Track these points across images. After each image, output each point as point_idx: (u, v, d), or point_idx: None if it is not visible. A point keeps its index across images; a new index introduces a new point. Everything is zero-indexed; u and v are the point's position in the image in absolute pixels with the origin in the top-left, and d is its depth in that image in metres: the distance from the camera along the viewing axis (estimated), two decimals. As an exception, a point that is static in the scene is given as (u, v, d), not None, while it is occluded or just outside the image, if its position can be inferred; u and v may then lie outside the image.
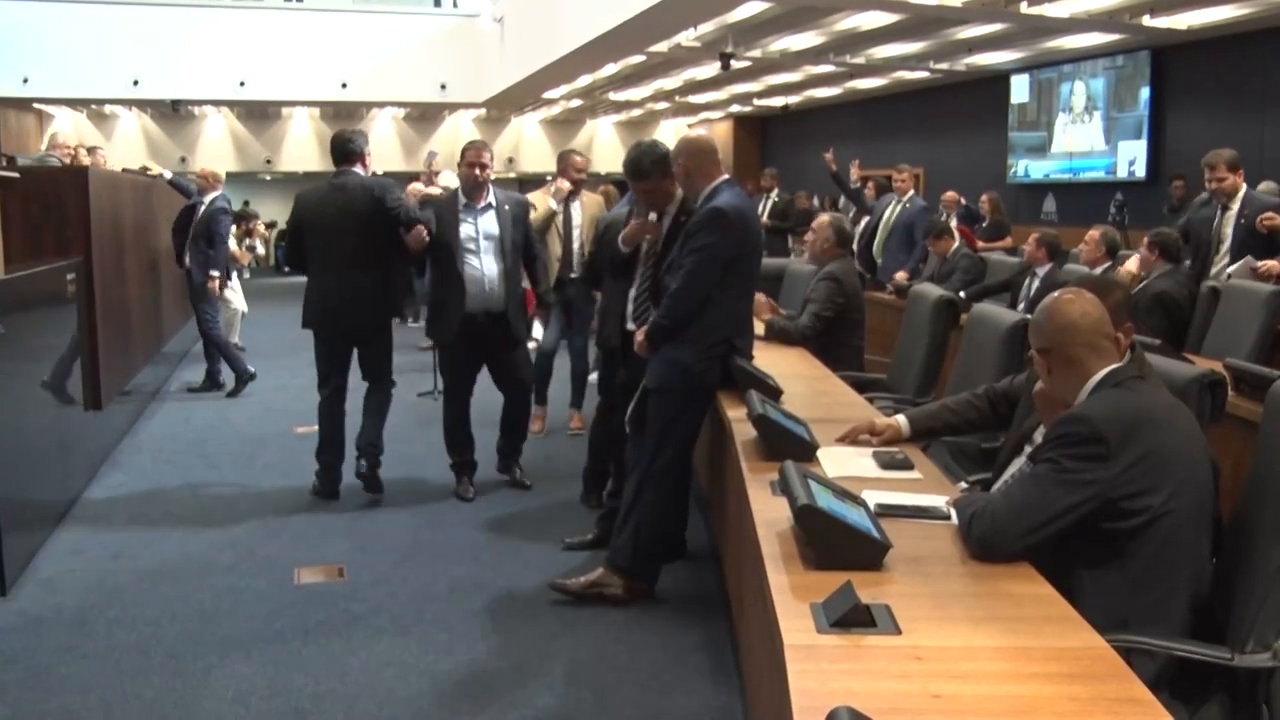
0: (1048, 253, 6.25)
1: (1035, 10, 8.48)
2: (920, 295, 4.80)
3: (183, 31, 13.59)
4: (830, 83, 13.53)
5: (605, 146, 19.34)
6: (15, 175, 5.32)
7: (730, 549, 3.52)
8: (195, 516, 4.79)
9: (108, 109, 16.68)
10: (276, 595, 3.83)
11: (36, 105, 15.45)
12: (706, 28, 9.87)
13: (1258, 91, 9.22)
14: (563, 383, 6.21)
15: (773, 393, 3.41)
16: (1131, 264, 5.56)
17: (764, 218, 10.30)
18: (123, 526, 4.63)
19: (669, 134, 17.75)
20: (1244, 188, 5.45)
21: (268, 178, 17.97)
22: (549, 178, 5.28)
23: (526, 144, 19.00)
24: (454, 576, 4.00)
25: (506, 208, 4.94)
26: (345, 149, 4.89)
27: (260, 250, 9.91)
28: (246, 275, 9.77)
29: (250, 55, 13.90)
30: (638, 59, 11.63)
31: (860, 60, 11.39)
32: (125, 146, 16.54)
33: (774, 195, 11.03)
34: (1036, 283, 6.17)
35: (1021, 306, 5.97)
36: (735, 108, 17.12)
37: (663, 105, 16.79)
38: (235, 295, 9.80)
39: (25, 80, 13.15)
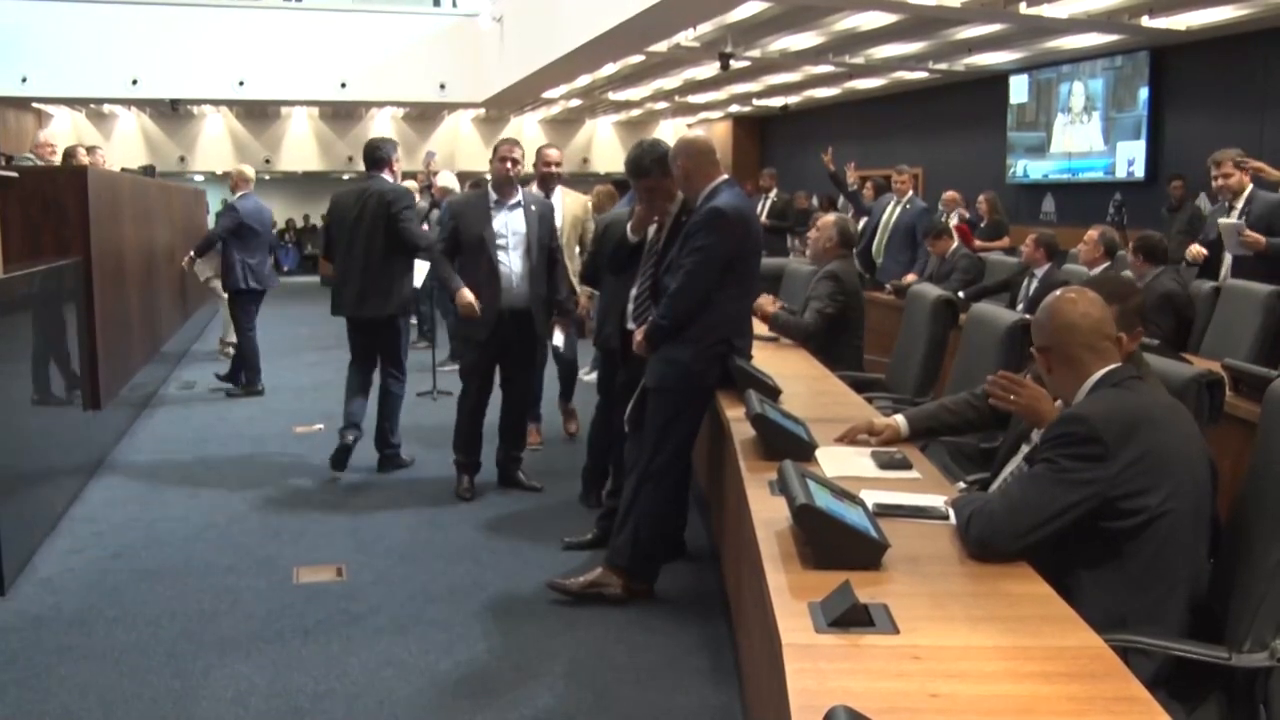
0: (1046, 253, 6.25)
1: (1034, 11, 8.48)
2: (919, 295, 4.80)
3: (182, 31, 13.58)
4: (829, 83, 13.54)
5: (604, 146, 19.35)
6: (14, 175, 5.31)
7: (729, 548, 3.52)
8: (194, 516, 4.79)
9: (107, 108, 16.67)
10: (276, 595, 3.83)
11: (35, 105, 15.44)
12: (706, 28, 9.88)
13: (1257, 92, 9.22)
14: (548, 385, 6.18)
15: (771, 392, 3.41)
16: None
17: (763, 217, 10.29)
18: (122, 526, 4.63)
19: (668, 134, 17.74)
20: (1250, 185, 5.42)
21: (267, 177, 17.97)
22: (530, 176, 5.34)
23: (526, 144, 18.61)
24: (453, 576, 4.01)
25: (533, 208, 4.98)
26: (374, 155, 5.35)
27: None
28: None
29: (249, 55, 13.89)
30: (637, 59, 11.63)
31: (859, 60, 11.39)
32: (124, 146, 16.54)
33: (773, 195, 11.02)
34: (1035, 283, 6.17)
35: (1020, 307, 5.98)
36: (734, 108, 17.12)
37: (662, 105, 16.80)
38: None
39: (24, 79, 13.14)
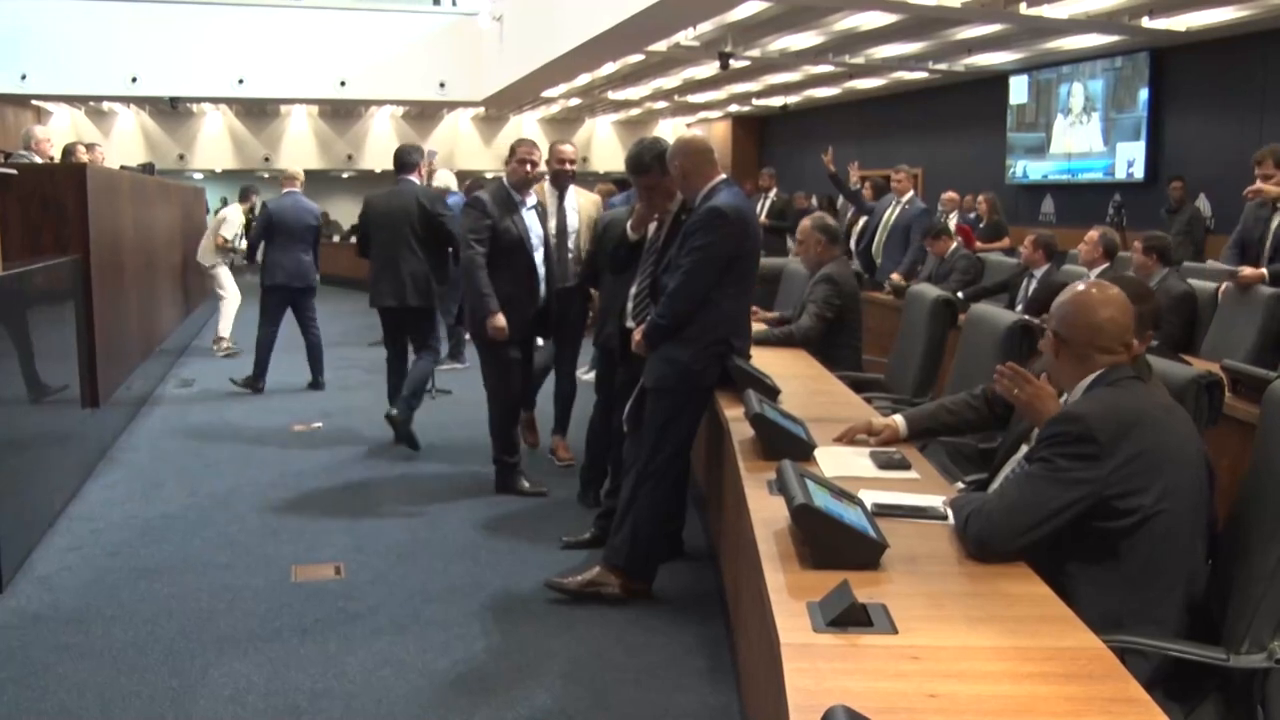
0: (1045, 254, 6.26)
1: (1034, 11, 8.49)
2: (918, 295, 4.80)
3: (181, 29, 13.58)
4: (829, 83, 13.54)
5: (604, 145, 19.36)
6: (13, 172, 5.31)
7: (728, 548, 3.52)
8: (192, 515, 4.78)
9: (106, 106, 16.67)
10: (274, 594, 3.83)
11: (35, 102, 15.43)
12: (705, 27, 9.88)
13: (1256, 93, 9.23)
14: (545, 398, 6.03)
15: (770, 392, 3.41)
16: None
17: (762, 217, 10.30)
18: (120, 524, 4.63)
19: (668, 133, 17.74)
20: None
21: (266, 175, 17.98)
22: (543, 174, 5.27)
23: (526, 143, 18.96)
24: (452, 575, 4.00)
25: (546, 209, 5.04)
26: (405, 160, 5.93)
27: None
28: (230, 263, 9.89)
29: (249, 53, 13.89)
30: (637, 58, 11.64)
31: (859, 60, 11.40)
32: (123, 144, 16.53)
33: (772, 195, 11.03)
34: (1034, 284, 6.18)
35: (1019, 307, 5.98)
36: (734, 107, 17.12)
37: (661, 104, 16.80)
38: (229, 286, 9.88)
39: (23, 77, 13.14)
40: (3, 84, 13.06)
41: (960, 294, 6.12)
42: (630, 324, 4.01)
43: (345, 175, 19.48)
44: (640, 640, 3.41)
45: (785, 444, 2.85)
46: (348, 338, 10.02)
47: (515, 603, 3.73)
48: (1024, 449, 2.52)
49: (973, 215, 10.14)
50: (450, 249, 5.84)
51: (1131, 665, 1.73)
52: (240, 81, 14.03)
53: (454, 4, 15.13)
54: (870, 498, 2.37)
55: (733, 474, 3.02)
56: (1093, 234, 5.61)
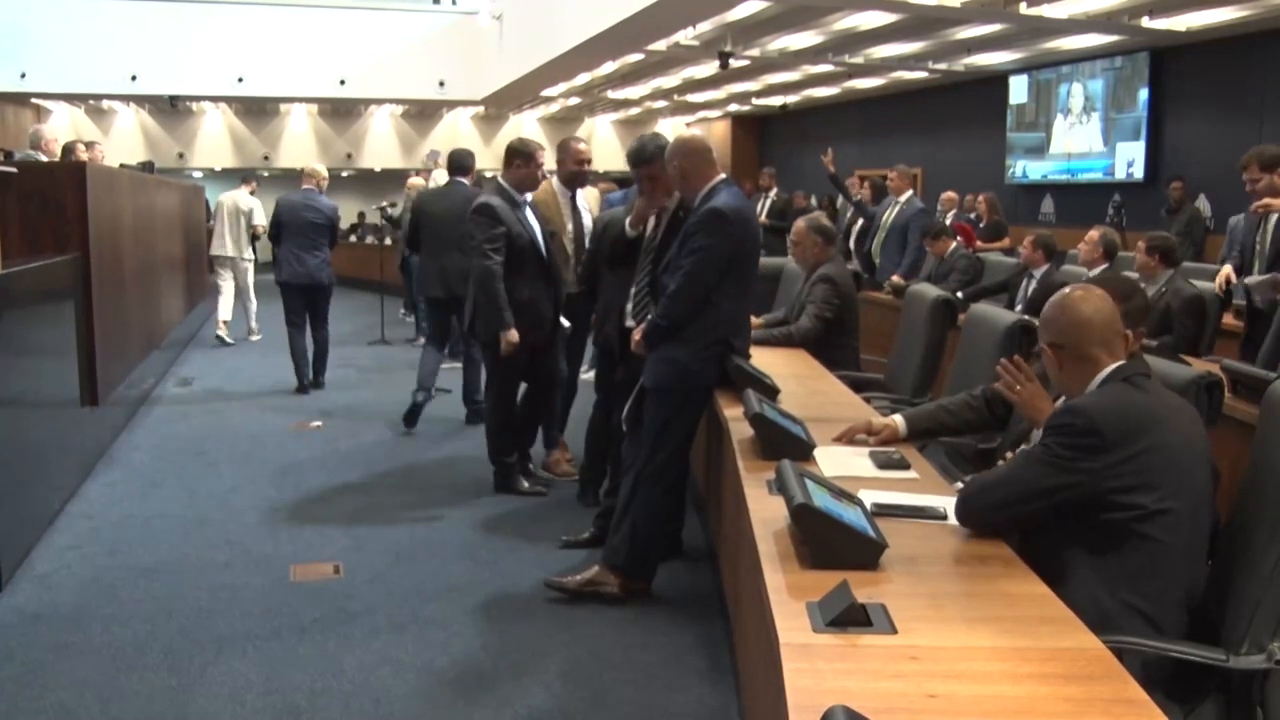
0: (1044, 254, 6.25)
1: (1034, 11, 8.48)
2: (918, 295, 4.80)
3: (181, 27, 13.58)
4: (829, 82, 13.53)
5: (603, 145, 19.32)
6: (13, 170, 5.30)
7: (727, 548, 3.52)
8: (191, 514, 4.78)
9: (106, 104, 16.66)
10: (272, 593, 3.83)
11: (34, 100, 15.42)
12: (705, 26, 9.87)
13: (1256, 93, 9.23)
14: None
15: (770, 392, 3.41)
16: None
17: (762, 217, 10.30)
18: (119, 523, 4.62)
19: (667, 132, 17.67)
20: None
21: (265, 174, 17.97)
22: (549, 173, 5.22)
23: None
24: (450, 574, 4.00)
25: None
26: (462, 163, 6.45)
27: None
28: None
29: (249, 51, 13.89)
30: (636, 57, 11.63)
31: (859, 60, 11.39)
32: (123, 142, 16.51)
33: (773, 194, 11.03)
34: (1034, 284, 6.17)
35: (1019, 308, 5.98)
36: (733, 107, 17.12)
37: (661, 104, 16.80)
38: (226, 282, 10.03)
39: (23, 75, 13.13)
40: (2, 82, 13.05)
41: (960, 294, 6.11)
42: (630, 323, 4.01)
43: (345, 174, 19.45)
44: (639, 640, 3.41)
45: (785, 444, 2.85)
46: (347, 337, 10.02)
47: (514, 602, 3.73)
48: (1022, 449, 2.52)
49: (973, 215, 10.14)
50: None
51: (1130, 665, 1.73)
52: (240, 80, 14.03)
53: (454, 3, 15.13)
54: (870, 498, 2.37)
55: (732, 474, 3.02)
56: (1093, 234, 5.60)
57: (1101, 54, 10.63)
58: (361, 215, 18.56)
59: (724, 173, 3.74)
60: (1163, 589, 2.08)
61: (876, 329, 6.50)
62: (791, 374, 4.07)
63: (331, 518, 4.71)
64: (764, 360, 3.89)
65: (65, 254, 5.15)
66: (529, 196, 4.94)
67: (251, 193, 10.28)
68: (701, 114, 18.26)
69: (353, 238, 16.34)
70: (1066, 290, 2.34)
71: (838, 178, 9.33)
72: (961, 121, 13.18)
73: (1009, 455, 2.61)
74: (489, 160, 18.12)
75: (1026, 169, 12.07)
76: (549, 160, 5.20)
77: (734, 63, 10.83)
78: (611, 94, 15.32)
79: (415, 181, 10.03)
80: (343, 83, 14.40)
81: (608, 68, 12.48)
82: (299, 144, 18.01)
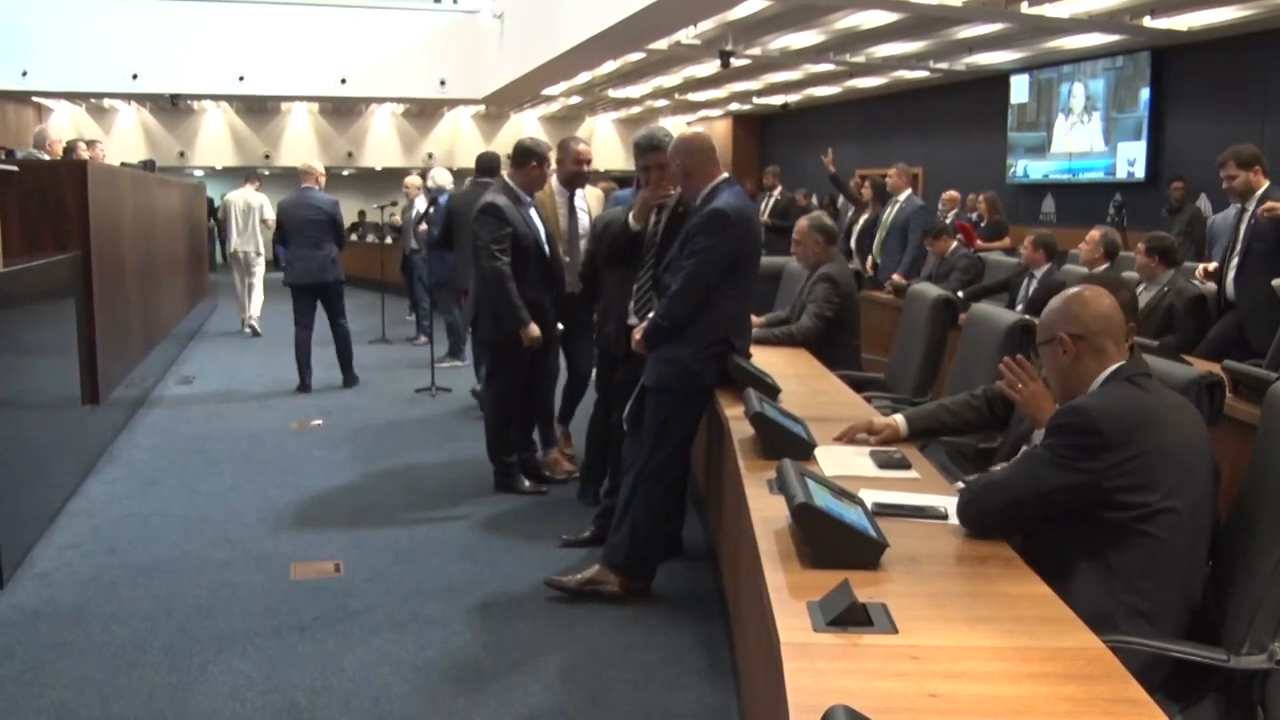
0: (1045, 254, 6.25)
1: (1035, 10, 8.47)
2: (918, 295, 4.80)
3: (182, 25, 13.57)
4: (830, 81, 13.52)
5: (604, 144, 19.32)
6: (14, 169, 5.30)
7: (727, 547, 3.52)
8: (191, 512, 4.78)
9: (107, 103, 16.65)
10: (272, 591, 3.83)
11: (35, 99, 15.42)
12: (706, 25, 9.87)
13: (1258, 93, 9.22)
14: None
15: (771, 391, 3.41)
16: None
17: (765, 216, 10.30)
18: (119, 521, 4.63)
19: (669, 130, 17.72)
20: (1265, 185, 4.84)
21: (266, 172, 17.96)
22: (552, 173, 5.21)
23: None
24: (450, 573, 4.00)
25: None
26: (485, 165, 6.65)
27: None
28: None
29: (250, 50, 13.89)
30: (637, 56, 11.62)
31: (860, 59, 11.38)
32: (124, 140, 16.52)
33: (776, 194, 11.03)
34: (1034, 284, 6.17)
35: (1020, 307, 5.97)
36: (734, 106, 17.11)
37: (662, 103, 16.78)
38: (244, 278, 10.20)
39: (24, 73, 13.13)
40: (3, 80, 13.05)
41: (960, 293, 6.11)
42: (633, 320, 4.01)
43: (346, 173, 19.46)
44: (639, 639, 3.41)
45: (785, 443, 2.85)
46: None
47: (514, 601, 3.73)
48: (1025, 449, 2.52)
49: (973, 215, 10.13)
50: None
51: (1130, 665, 1.73)
52: (241, 78, 14.03)
53: (455, 2, 15.12)
54: (870, 497, 2.37)
55: (733, 473, 3.01)
56: (1093, 234, 5.60)
57: (1103, 53, 10.62)
58: (362, 214, 18.56)
59: (725, 172, 3.73)
60: (1163, 588, 2.08)
61: (877, 328, 6.50)
62: (792, 373, 4.07)
63: (331, 517, 4.71)
64: (765, 359, 3.88)
65: (66, 252, 5.15)
66: (531, 195, 4.95)
67: (257, 189, 10.39)
68: (702, 113, 18.25)
69: (353, 237, 16.33)
70: (1075, 289, 2.35)
71: (838, 178, 9.33)
72: (962, 121, 13.17)
73: (1009, 458, 2.62)
74: (489, 159, 18.12)
75: (1027, 168, 12.06)
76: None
77: (735, 62, 10.82)
78: (612, 93, 15.32)
79: (412, 181, 10.05)
80: (344, 81, 14.40)
81: (609, 67, 12.47)
82: (300, 142, 18.01)
